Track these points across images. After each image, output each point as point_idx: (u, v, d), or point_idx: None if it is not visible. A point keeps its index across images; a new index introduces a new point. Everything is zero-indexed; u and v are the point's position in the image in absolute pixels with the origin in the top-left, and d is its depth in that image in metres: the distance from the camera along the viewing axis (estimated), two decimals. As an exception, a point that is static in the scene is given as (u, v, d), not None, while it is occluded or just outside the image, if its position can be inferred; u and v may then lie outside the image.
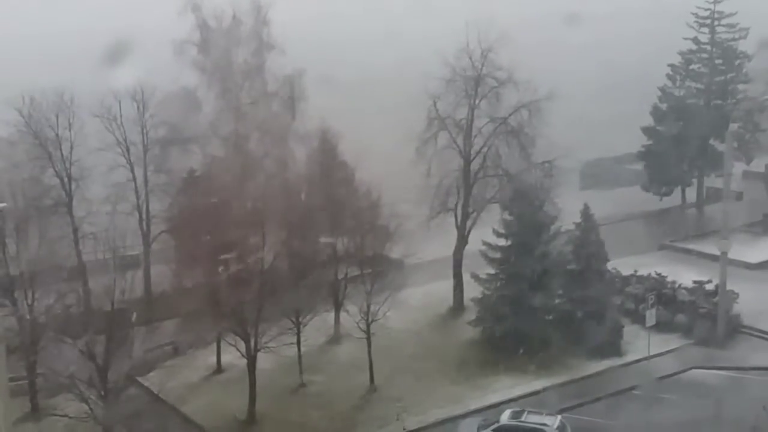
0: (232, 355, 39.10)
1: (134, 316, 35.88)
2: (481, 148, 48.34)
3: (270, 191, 40.18)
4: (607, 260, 44.57)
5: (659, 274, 47.74)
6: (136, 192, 46.88)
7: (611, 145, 68.11)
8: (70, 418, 32.14)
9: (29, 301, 35.86)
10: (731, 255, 44.56)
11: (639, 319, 43.83)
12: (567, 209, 44.77)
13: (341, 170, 44.36)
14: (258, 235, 37.72)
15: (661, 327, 43.17)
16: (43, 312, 35.68)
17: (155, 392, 35.88)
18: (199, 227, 38.64)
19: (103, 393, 30.98)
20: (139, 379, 35.99)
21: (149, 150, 47.09)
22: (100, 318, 32.10)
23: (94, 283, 35.21)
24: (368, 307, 39.57)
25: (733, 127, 47.91)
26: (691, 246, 56.03)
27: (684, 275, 47.85)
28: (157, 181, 47.33)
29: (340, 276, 42.93)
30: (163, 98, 47.19)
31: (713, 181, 61.41)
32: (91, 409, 31.04)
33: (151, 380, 36.64)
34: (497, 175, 48.37)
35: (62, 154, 45.06)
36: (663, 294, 45.59)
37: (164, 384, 34.79)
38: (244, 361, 37.05)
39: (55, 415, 33.67)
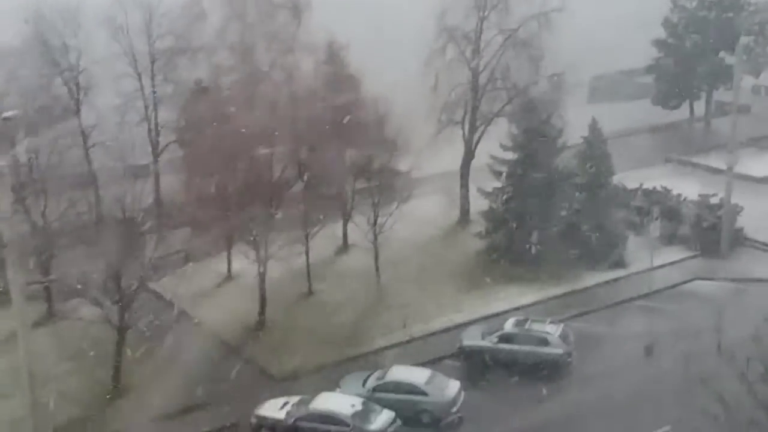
0: (243, 264, 39.75)
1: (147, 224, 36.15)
2: (490, 60, 48.00)
3: (278, 102, 40.14)
4: (613, 174, 44.77)
5: (665, 188, 47.97)
6: (144, 102, 46.89)
7: (621, 58, 67.46)
8: (85, 321, 32.84)
9: (41, 208, 36.35)
10: (737, 169, 44.73)
11: (643, 231, 44.30)
12: (575, 123, 44.71)
13: (348, 82, 44.15)
14: (266, 146, 37.91)
15: (665, 239, 43.74)
16: (55, 219, 36.21)
17: (167, 298, 36.58)
18: (207, 138, 38.81)
19: (116, 298, 31.60)
20: (152, 285, 36.60)
21: (156, 60, 46.85)
22: (111, 225, 32.49)
23: (105, 192, 35.55)
24: (375, 218, 40.01)
25: (744, 40, 47.32)
26: (697, 159, 56.14)
27: (690, 188, 48.05)
28: (165, 91, 47.27)
29: (348, 188, 43.25)
30: (168, 7, 46.72)
31: (722, 95, 61.05)
32: (105, 313, 31.72)
33: (164, 286, 37.30)
34: (505, 88, 48.12)
35: (70, 63, 44.98)
36: (668, 207, 45.97)
37: (176, 290, 35.41)
38: (254, 269, 37.69)
39: (71, 318, 34.43)
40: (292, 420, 29.72)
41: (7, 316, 33.12)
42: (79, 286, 32.38)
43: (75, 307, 34.93)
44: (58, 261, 35.63)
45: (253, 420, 30.30)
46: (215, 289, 41.32)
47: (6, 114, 32.01)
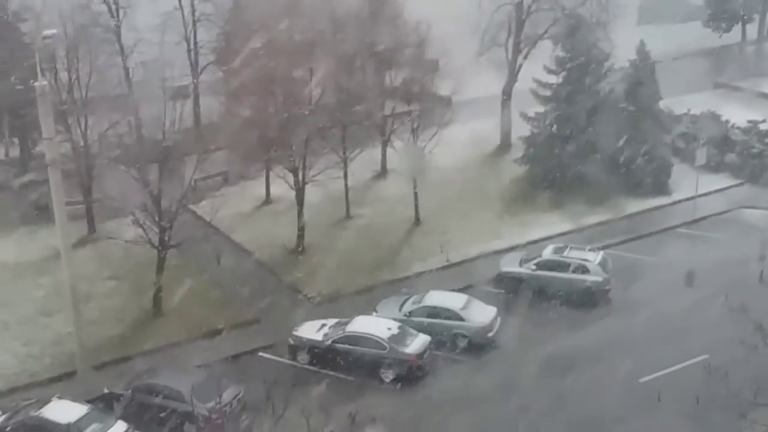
0: (281, 188, 39.81)
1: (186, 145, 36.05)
2: (536, -21, 46.68)
3: (317, 24, 39.50)
4: (660, 99, 43.72)
5: (713, 113, 46.83)
6: (184, 21, 46.46)
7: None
8: (126, 241, 33.26)
9: (82, 128, 36.54)
10: (789, 94, 43.52)
11: (689, 158, 43.42)
12: (622, 45, 43.57)
13: (389, 2, 43.23)
14: (305, 68, 37.49)
15: (711, 166, 42.87)
16: (96, 139, 36.40)
17: (207, 220, 36.79)
18: (246, 59, 38.44)
19: (157, 219, 31.83)
20: (192, 207, 36.82)
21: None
22: (152, 146, 32.54)
23: (145, 113, 35.51)
24: (415, 143, 39.54)
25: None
26: (747, 85, 54.48)
27: (738, 114, 46.89)
28: (204, 10, 46.75)
29: (388, 112, 42.74)
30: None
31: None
32: (146, 233, 32.04)
33: (203, 209, 37.50)
34: (551, 8, 46.73)
35: (109, -20, 44.49)
36: (715, 133, 44.92)
37: (216, 212, 35.57)
38: (293, 193, 37.71)
39: (112, 238, 34.88)
40: (329, 342, 30.06)
41: (51, 236, 33.92)
42: (120, 206, 32.61)
43: (116, 228, 35.33)
44: (99, 181, 35.93)
45: (291, 341, 30.69)
46: (254, 212, 41.50)
47: (46, 32, 31.74)
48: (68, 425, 25.45)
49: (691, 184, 40.58)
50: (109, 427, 25.91)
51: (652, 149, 42.72)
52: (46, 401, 26.63)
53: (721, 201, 41.77)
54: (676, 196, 42.07)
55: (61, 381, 29.34)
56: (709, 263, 35.43)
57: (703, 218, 40.11)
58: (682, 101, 47.98)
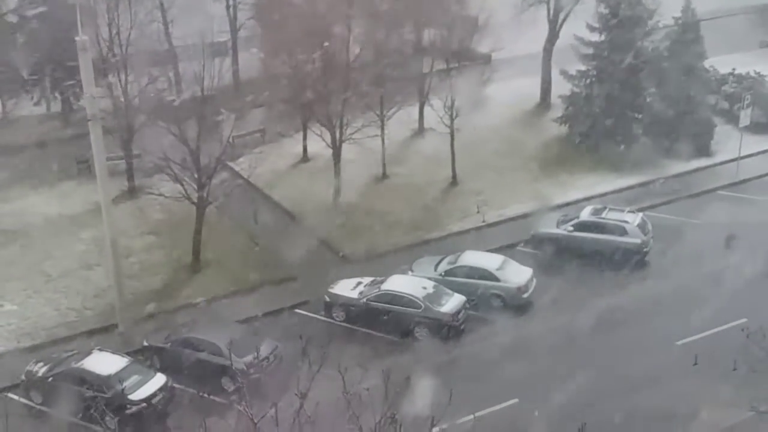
0: (318, 146, 39.82)
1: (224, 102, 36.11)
2: (579, -67, 45.66)
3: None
4: (705, 58, 42.85)
5: (758, 73, 45.79)
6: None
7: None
8: (166, 197, 33.57)
9: (122, 84, 36.75)
10: (839, 54, 42.38)
11: (733, 119, 42.65)
12: (667, 2, 42.63)
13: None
14: (344, 25, 37.23)
15: (755, 128, 42.06)
16: (136, 95, 36.60)
17: (245, 177, 37.00)
18: (285, 15, 38.31)
19: (196, 175, 32.05)
20: (230, 164, 37.01)
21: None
22: (191, 103, 32.63)
23: (184, 69, 35.59)
24: (453, 101, 39.23)
25: None
26: (796, 45, 53.18)
27: (785, 75, 45.80)
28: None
29: (426, 69, 42.38)
30: None
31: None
32: (185, 189, 32.30)
33: (241, 165, 37.69)
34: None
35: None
36: (760, 94, 43.97)
37: (253, 169, 35.73)
38: (330, 151, 37.70)
39: (152, 193, 35.22)
40: (365, 300, 30.23)
41: (92, 191, 34.35)
42: (159, 162, 32.86)
43: (155, 183, 35.66)
44: (139, 137, 36.21)
45: (326, 299, 30.92)
46: (291, 170, 41.53)
47: (87, -13, 31.94)
48: (108, 376, 25.95)
49: (735, 145, 39.90)
50: (149, 380, 26.36)
51: (696, 109, 41.98)
52: (87, 353, 27.13)
53: (765, 163, 41.04)
54: (718, 158, 41.43)
55: (102, 333, 29.84)
56: (750, 226, 34.94)
57: (746, 180, 39.53)
58: (727, 60, 46.96)
